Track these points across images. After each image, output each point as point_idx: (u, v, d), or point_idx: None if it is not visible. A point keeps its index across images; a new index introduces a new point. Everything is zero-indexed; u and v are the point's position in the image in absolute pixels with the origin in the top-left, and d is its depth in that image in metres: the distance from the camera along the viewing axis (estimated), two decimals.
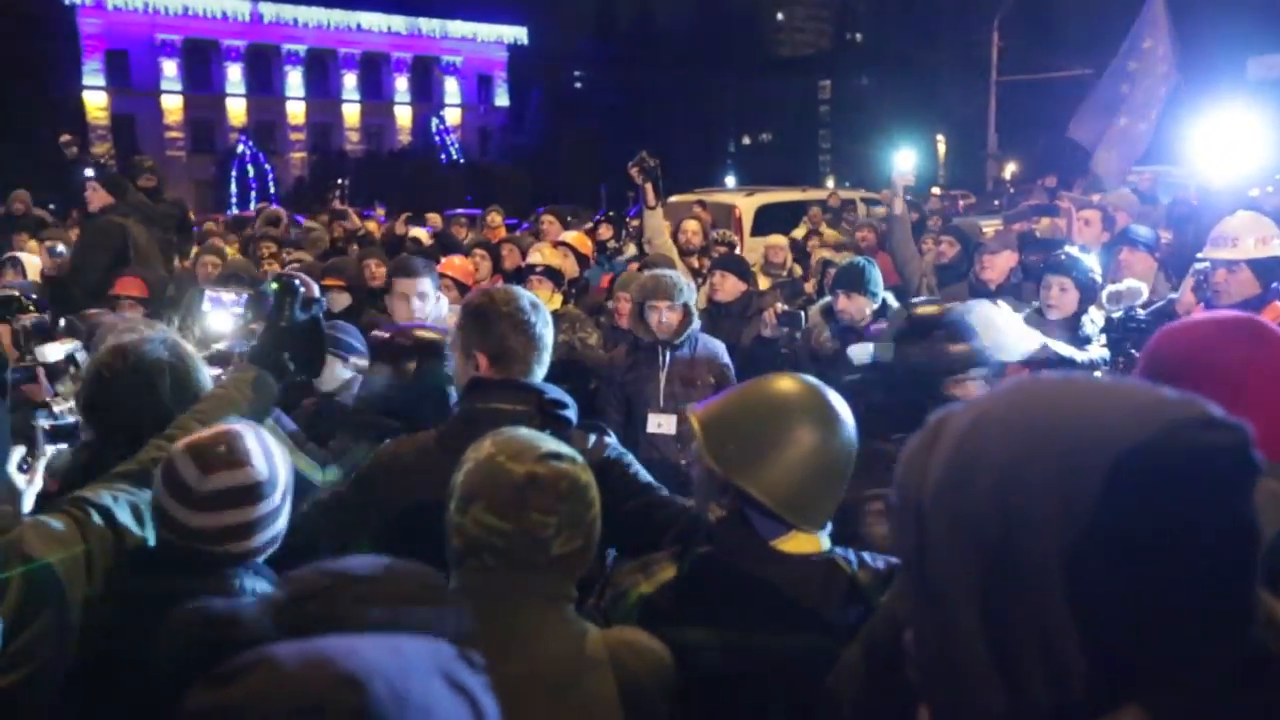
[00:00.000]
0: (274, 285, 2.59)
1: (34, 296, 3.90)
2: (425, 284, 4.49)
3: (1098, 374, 3.74)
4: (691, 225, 7.49)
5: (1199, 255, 4.37)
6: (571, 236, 7.32)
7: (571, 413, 2.45)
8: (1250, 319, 1.92)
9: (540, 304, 2.54)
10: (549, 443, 1.85)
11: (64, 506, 1.99)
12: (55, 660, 1.80)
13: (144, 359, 2.31)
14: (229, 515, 1.82)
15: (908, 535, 0.93)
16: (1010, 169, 35.01)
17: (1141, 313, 3.67)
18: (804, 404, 1.91)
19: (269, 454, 1.91)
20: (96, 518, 1.98)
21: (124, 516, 2.04)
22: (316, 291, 2.63)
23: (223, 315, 3.03)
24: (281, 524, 1.94)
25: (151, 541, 2.02)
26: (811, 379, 1.99)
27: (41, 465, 2.28)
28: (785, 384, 1.97)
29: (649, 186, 6.26)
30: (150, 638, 1.73)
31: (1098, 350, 4.17)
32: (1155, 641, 0.83)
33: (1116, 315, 3.72)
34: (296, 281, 2.60)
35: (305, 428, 3.84)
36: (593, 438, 2.43)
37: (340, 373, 3.94)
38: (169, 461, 1.85)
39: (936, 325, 2.99)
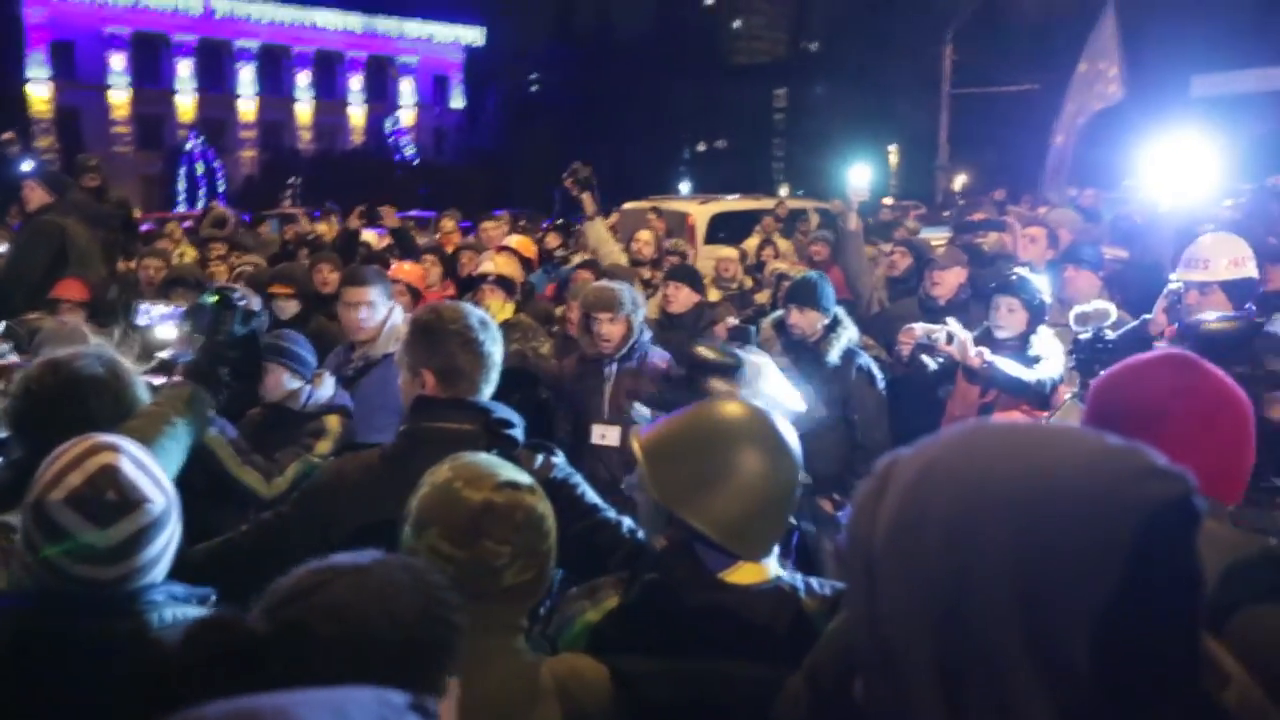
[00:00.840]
0: (212, 299, 2.54)
1: None
2: (374, 292, 4.45)
3: (1043, 416, 3.76)
4: (644, 235, 7.50)
5: (1171, 276, 4.36)
6: (515, 241, 7.27)
7: (519, 432, 2.42)
8: (1180, 355, 1.94)
9: (490, 321, 2.51)
10: (507, 470, 1.82)
11: None
12: None
13: (77, 374, 2.21)
14: (138, 558, 1.71)
15: (858, 584, 0.92)
16: (960, 180, 35.49)
17: (1110, 334, 3.67)
18: (747, 432, 1.90)
19: (151, 474, 1.76)
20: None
21: None
22: (257, 305, 2.59)
23: (162, 327, 2.96)
24: (179, 532, 1.83)
25: None
26: (756, 404, 1.98)
27: None
28: (729, 410, 1.96)
29: (586, 196, 6.24)
30: (73, 684, 1.67)
31: (1045, 370, 4.21)
32: (1108, 691, 0.83)
33: (1084, 336, 3.71)
34: (236, 295, 2.55)
35: (250, 438, 3.77)
36: (540, 457, 2.40)
37: (287, 383, 3.89)
38: (49, 520, 1.67)
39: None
